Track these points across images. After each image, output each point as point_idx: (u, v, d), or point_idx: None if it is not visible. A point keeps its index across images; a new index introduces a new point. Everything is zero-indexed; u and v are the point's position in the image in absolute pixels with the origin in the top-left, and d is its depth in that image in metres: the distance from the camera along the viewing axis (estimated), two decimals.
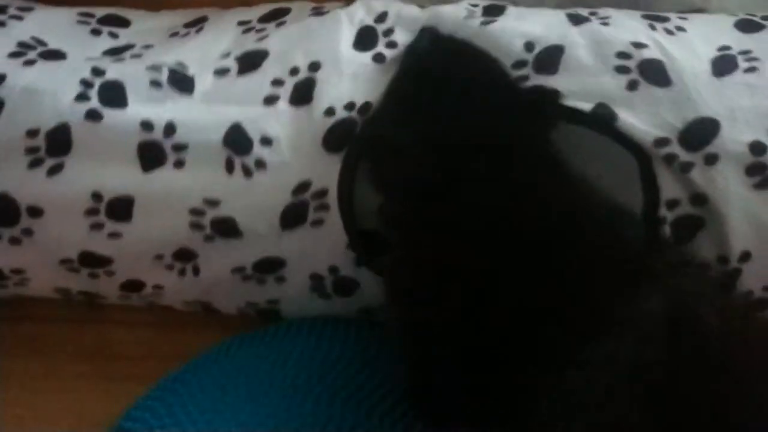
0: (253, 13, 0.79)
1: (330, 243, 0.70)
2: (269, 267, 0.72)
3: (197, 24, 0.79)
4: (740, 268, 0.67)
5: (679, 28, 0.72)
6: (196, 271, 0.72)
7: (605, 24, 0.72)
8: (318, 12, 0.77)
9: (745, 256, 0.67)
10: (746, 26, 0.73)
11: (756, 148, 0.65)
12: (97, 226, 0.70)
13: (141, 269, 0.73)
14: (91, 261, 0.72)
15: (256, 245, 0.70)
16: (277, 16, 0.78)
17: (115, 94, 0.69)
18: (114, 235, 0.70)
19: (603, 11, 0.74)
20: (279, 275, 0.72)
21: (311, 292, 0.74)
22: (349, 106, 0.68)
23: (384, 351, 0.72)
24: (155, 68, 0.71)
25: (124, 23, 0.80)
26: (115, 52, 0.75)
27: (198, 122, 0.69)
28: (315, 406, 0.68)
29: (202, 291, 0.75)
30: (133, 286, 0.75)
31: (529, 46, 0.71)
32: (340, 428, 0.67)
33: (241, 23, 0.78)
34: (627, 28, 0.72)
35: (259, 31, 0.76)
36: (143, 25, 0.80)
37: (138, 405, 0.71)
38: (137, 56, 0.74)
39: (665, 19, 0.74)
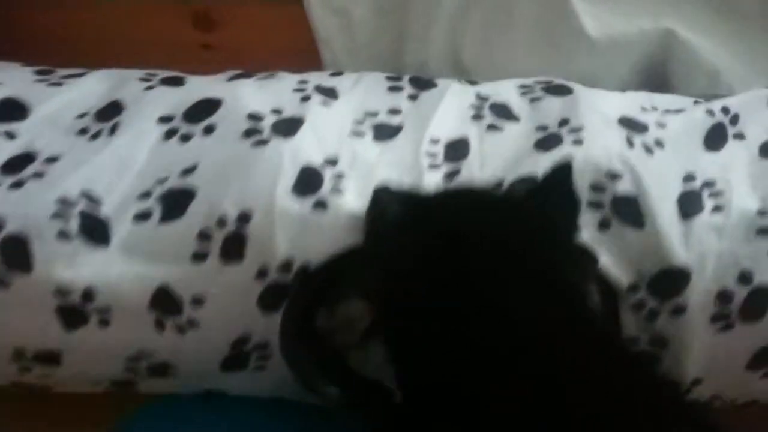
0: (178, 101, 0.67)
1: (275, 380, 0.66)
2: (211, 396, 0.69)
3: (112, 116, 0.67)
4: (690, 389, 0.67)
5: (658, 143, 0.64)
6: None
7: (578, 142, 0.63)
8: (256, 140, 0.65)
9: (697, 382, 0.67)
10: (712, 141, 0.67)
11: (723, 297, 0.62)
12: (25, 369, 0.65)
13: (80, 386, 0.70)
14: (27, 388, 0.68)
15: (197, 381, 0.67)
16: (204, 112, 0.66)
17: (18, 255, 0.60)
18: (45, 376, 0.66)
19: (575, 119, 0.65)
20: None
21: None
22: (284, 268, 0.61)
23: None
24: (62, 215, 0.61)
25: (22, 112, 0.67)
26: (13, 169, 0.64)
27: (120, 285, 0.61)
28: None
29: None
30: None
31: (499, 184, 0.63)
32: None
33: (162, 120, 0.66)
34: (602, 147, 0.63)
35: (184, 138, 0.65)
36: (46, 111, 0.68)
37: None
38: (39, 176, 0.63)
39: (644, 129, 0.65)
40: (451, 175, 0.64)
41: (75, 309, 0.61)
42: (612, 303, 0.63)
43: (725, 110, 0.69)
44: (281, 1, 0.91)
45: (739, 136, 0.67)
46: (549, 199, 0.58)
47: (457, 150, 0.66)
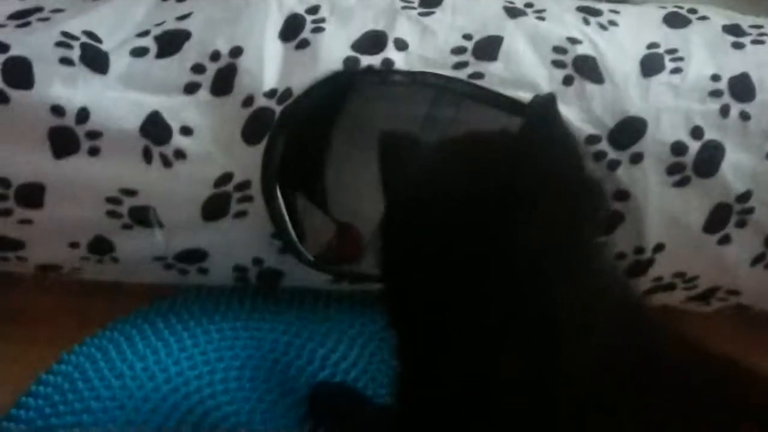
0: None
1: (254, 234, 0.68)
2: (191, 258, 0.70)
3: None
4: (653, 258, 0.70)
5: (612, 23, 0.72)
6: (115, 260, 0.70)
7: (541, 18, 0.71)
8: None
9: (659, 248, 0.70)
10: (674, 21, 0.73)
11: (678, 148, 0.67)
12: (5, 212, 0.66)
13: (56, 255, 0.70)
14: (2, 244, 0.68)
15: (176, 235, 0.68)
16: None
17: (21, 73, 0.63)
18: (25, 222, 0.66)
19: (539, 3, 0.73)
20: (201, 266, 0.71)
21: (235, 282, 0.73)
22: (269, 94, 0.65)
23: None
24: (66, 44, 0.65)
25: None
26: (21, 16, 0.68)
27: (113, 109, 0.64)
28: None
29: (121, 274, 0.73)
30: (49, 267, 0.72)
31: (467, 36, 0.69)
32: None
33: None
34: (562, 22, 0.70)
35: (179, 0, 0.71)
36: None
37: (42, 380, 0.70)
38: (45, 20, 0.68)
39: (598, 13, 0.73)
40: (424, 15, 0.70)
41: (68, 131, 0.64)
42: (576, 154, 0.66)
43: (679, 7, 0.76)
44: None
45: (703, 18, 0.74)
46: (545, 137, 0.53)
47: None
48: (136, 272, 0.73)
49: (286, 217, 0.67)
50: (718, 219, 0.69)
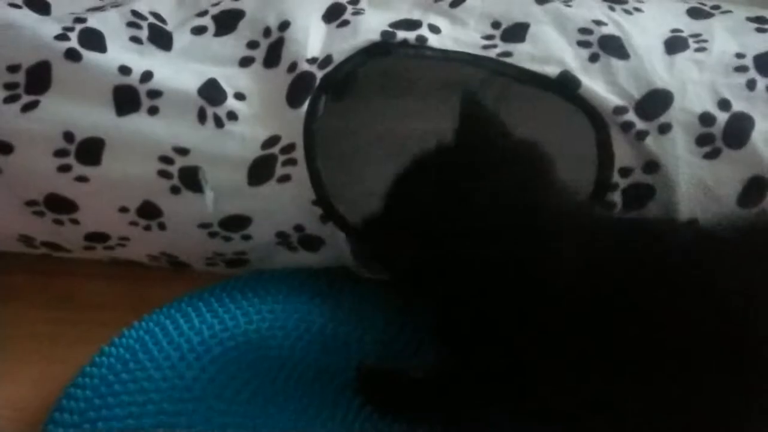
0: None
1: (296, 200, 0.71)
2: (235, 224, 0.73)
3: None
4: None
5: (637, 9, 0.77)
6: (162, 226, 0.73)
7: (568, 5, 0.76)
8: None
9: (692, 222, 0.70)
10: (696, 14, 0.78)
11: (706, 119, 0.69)
12: (65, 168, 0.70)
13: (106, 221, 0.74)
14: (57, 205, 0.72)
15: (222, 201, 0.71)
16: None
17: (94, 39, 0.71)
18: (81, 179, 0.71)
19: None
20: (245, 233, 0.74)
21: (277, 247, 0.75)
22: (311, 61, 0.71)
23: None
24: (135, 24, 0.73)
25: None
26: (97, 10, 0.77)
27: (175, 75, 0.71)
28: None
29: (167, 244, 0.76)
30: (97, 237, 0.75)
31: (496, 24, 0.75)
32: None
33: None
34: (588, 8, 0.76)
35: None
36: None
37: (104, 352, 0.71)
38: (117, 5, 0.76)
39: (623, 1, 0.78)
40: (454, 6, 0.76)
41: (131, 89, 0.70)
42: (602, 132, 0.70)
43: (702, 3, 0.80)
44: None
45: (725, 12, 0.78)
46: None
47: None
48: (181, 241, 0.75)
49: (325, 183, 0.70)
50: (754, 192, 0.69)
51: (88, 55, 0.70)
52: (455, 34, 0.74)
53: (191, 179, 0.70)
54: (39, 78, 0.69)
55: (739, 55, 0.72)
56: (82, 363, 0.70)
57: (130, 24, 0.73)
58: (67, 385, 0.68)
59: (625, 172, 0.70)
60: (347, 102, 0.79)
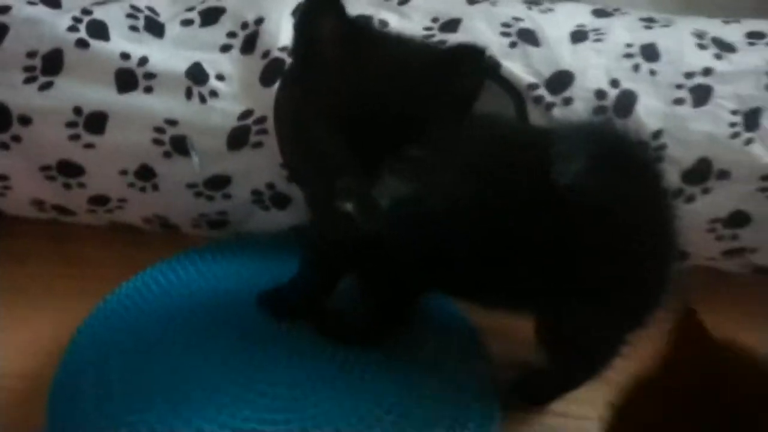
0: None
1: (267, 162, 0.86)
2: (217, 184, 0.87)
3: None
4: None
5: (550, 9, 0.93)
6: (155, 187, 0.88)
7: (494, 5, 0.92)
8: None
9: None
10: (600, 14, 0.94)
11: (600, 94, 0.85)
12: (75, 137, 0.84)
13: (108, 183, 0.88)
14: (67, 169, 0.86)
15: (206, 163, 0.86)
16: None
17: (100, 30, 0.86)
18: (89, 146, 0.85)
19: None
20: (225, 192, 0.88)
21: (252, 205, 0.90)
22: (282, 49, 0.86)
23: None
24: (134, 16, 0.88)
25: None
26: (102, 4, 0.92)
27: (167, 59, 0.85)
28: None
29: (160, 206, 0.90)
30: (100, 200, 0.89)
31: (435, 19, 0.90)
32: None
33: None
34: (510, 7, 0.92)
35: None
36: None
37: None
38: (117, 1, 0.91)
39: (539, 3, 0.95)
40: (401, 4, 0.91)
41: (130, 72, 0.84)
42: (519, 101, 0.86)
43: (606, 7, 0.96)
44: None
45: (624, 13, 0.94)
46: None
47: None
48: (172, 203, 0.89)
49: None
50: None
51: (95, 44, 0.84)
52: (401, 26, 0.89)
53: (180, 145, 0.85)
54: (53, 62, 0.84)
55: (629, 45, 0.88)
56: (89, 310, 0.82)
57: (129, 15, 0.88)
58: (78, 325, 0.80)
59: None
60: None
